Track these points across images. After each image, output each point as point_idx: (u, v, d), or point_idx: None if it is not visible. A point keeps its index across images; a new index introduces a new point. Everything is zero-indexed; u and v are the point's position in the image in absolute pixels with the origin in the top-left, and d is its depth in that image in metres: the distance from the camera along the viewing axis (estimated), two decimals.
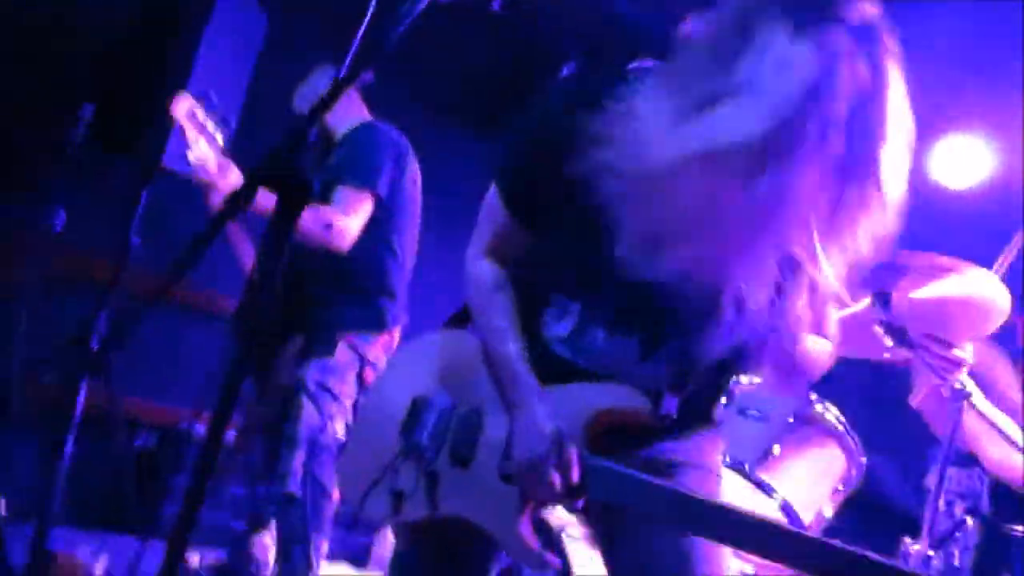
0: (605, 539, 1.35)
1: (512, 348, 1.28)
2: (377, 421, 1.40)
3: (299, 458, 2.51)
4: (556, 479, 1.17)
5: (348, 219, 2.54)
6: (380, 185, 2.64)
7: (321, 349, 2.59)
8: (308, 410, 2.52)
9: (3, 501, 2.80)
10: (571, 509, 1.23)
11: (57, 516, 2.69)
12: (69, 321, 3.21)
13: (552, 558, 1.23)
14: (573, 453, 1.18)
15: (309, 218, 2.47)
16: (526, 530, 1.21)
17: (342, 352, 2.61)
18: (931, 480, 2.46)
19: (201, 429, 2.96)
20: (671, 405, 1.25)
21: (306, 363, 2.58)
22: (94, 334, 3.07)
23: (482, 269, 1.35)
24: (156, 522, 3.40)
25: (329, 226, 2.50)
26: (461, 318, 1.42)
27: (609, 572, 1.32)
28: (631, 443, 1.26)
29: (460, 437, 1.30)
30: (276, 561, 2.63)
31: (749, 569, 2.31)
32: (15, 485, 2.93)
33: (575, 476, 1.17)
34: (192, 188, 3.24)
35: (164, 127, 3.04)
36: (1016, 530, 2.10)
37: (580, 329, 1.29)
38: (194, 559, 2.94)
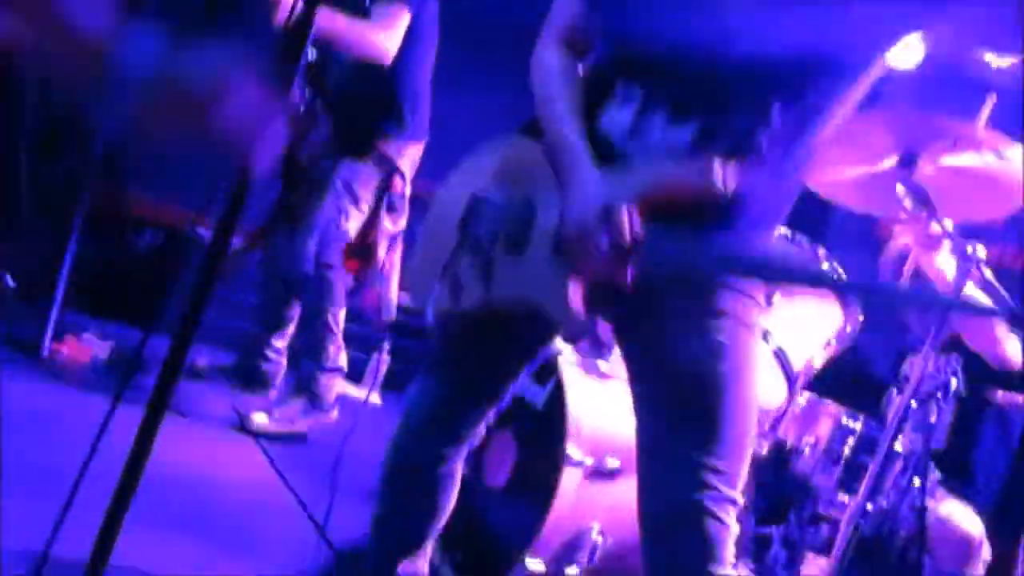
0: (635, 339, 1.41)
1: (570, 128, 1.33)
2: (441, 220, 1.48)
3: (313, 243, 2.82)
4: (606, 244, 1.20)
5: (390, 33, 2.67)
6: (412, 2, 2.73)
7: (353, 152, 2.80)
8: (328, 203, 2.80)
9: (8, 276, 2.86)
10: (619, 281, 1.23)
11: (65, 301, 2.78)
12: (75, 110, 3.16)
13: (600, 328, 1.31)
14: (624, 220, 1.21)
15: (355, 32, 2.64)
16: (575, 297, 1.25)
17: (372, 158, 2.83)
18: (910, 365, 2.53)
19: (206, 233, 2.98)
20: (726, 179, 1.25)
21: (337, 161, 2.80)
22: (99, 125, 3.04)
23: (550, 57, 1.40)
24: (161, 318, 3.49)
25: (372, 41, 2.66)
26: (527, 129, 1.45)
27: (632, 372, 1.41)
28: (685, 223, 1.28)
29: (514, 226, 1.37)
30: (299, 334, 2.98)
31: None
32: (25, 268, 2.98)
33: (625, 240, 1.20)
34: None
35: None
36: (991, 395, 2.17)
37: (640, 118, 1.32)
38: (201, 361, 3.03)
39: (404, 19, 2.71)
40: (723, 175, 1.24)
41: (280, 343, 3.14)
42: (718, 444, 1.28)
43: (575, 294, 1.24)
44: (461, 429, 1.57)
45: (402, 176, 2.86)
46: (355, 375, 3.88)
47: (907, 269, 2.41)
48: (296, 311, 3.09)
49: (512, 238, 1.36)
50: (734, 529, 1.30)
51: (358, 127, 2.82)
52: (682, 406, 1.31)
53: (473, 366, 1.54)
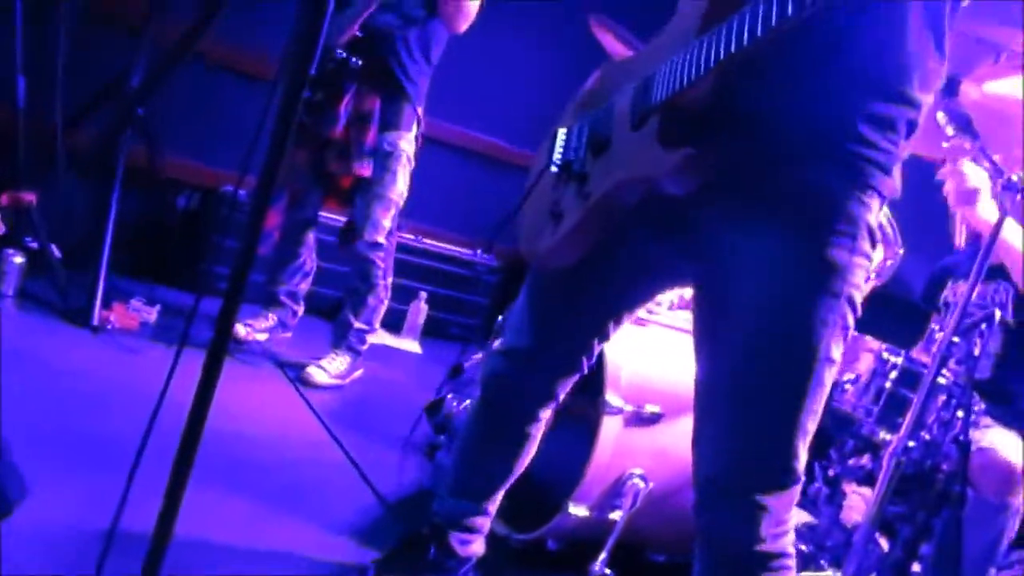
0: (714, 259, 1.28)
1: None
2: (541, 173, 1.47)
3: (388, 214, 2.94)
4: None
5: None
6: None
7: (400, 119, 2.89)
8: (396, 173, 2.90)
9: (54, 246, 2.93)
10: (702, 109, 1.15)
11: (110, 266, 2.84)
12: (107, 70, 3.18)
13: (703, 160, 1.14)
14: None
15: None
16: (670, 148, 1.15)
17: (411, 120, 2.92)
18: (956, 291, 2.49)
19: (243, 194, 3.01)
20: None
21: (390, 130, 2.88)
22: (131, 85, 3.06)
23: None
24: (202, 280, 3.56)
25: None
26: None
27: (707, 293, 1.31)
28: None
29: (596, 134, 1.33)
30: (352, 297, 3.04)
31: None
32: (66, 235, 3.05)
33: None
34: None
35: None
36: None
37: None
38: (241, 330, 3.09)
39: None
40: None
41: (300, 285, 3.23)
42: (791, 432, 1.21)
43: (669, 143, 1.14)
44: (554, 387, 1.55)
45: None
46: (395, 325, 3.96)
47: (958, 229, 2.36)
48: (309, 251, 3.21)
49: (596, 142, 1.33)
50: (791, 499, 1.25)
51: (402, 94, 2.89)
52: (763, 374, 1.21)
53: (572, 309, 1.47)
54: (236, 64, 3.64)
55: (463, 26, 2.85)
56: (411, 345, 4.00)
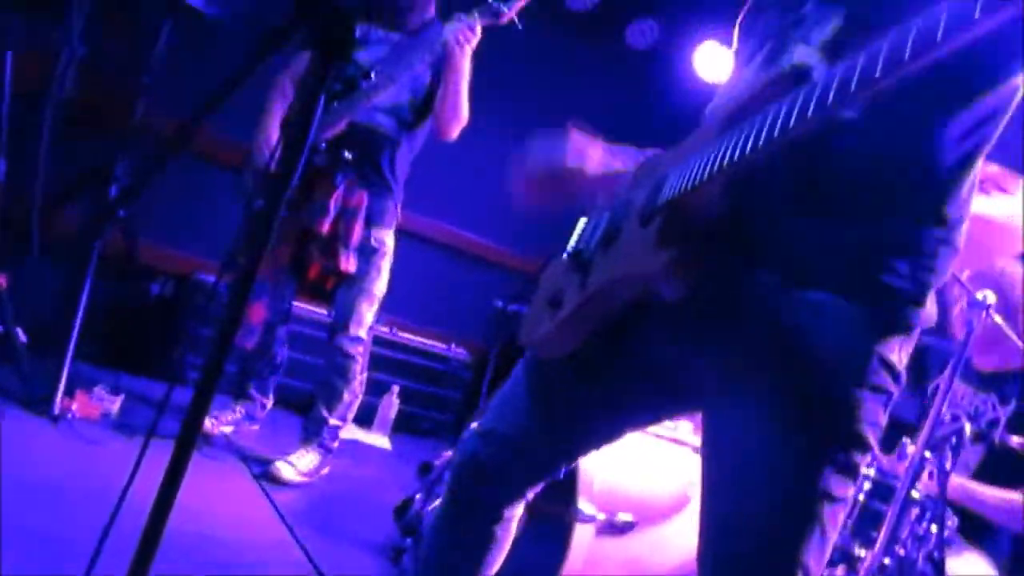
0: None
1: None
2: (552, 261, 1.45)
3: (372, 309, 2.97)
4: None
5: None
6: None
7: (385, 216, 2.97)
8: (381, 269, 2.97)
9: (20, 330, 2.87)
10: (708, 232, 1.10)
11: (75, 353, 2.78)
12: (88, 160, 3.21)
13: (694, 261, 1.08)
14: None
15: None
16: (664, 248, 1.11)
17: (394, 217, 3.01)
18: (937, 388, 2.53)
19: (221, 284, 3.00)
20: (817, 70, 1.06)
21: (376, 227, 2.94)
22: (114, 175, 3.08)
23: None
24: (172, 368, 3.50)
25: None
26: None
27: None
28: None
29: (611, 224, 1.30)
30: (326, 391, 3.00)
31: None
32: (36, 319, 3.00)
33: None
34: (215, 28, 3.15)
35: None
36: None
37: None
38: (207, 423, 3.03)
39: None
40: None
41: (270, 378, 3.20)
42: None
43: (665, 244, 1.10)
44: (526, 484, 1.45)
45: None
46: (365, 419, 3.89)
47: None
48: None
49: (608, 233, 1.30)
50: None
51: (387, 190, 2.97)
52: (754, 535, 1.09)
53: (561, 408, 1.37)
54: (212, 153, 3.69)
55: (456, 133, 2.94)
56: (381, 440, 3.93)
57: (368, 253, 2.93)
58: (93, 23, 2.84)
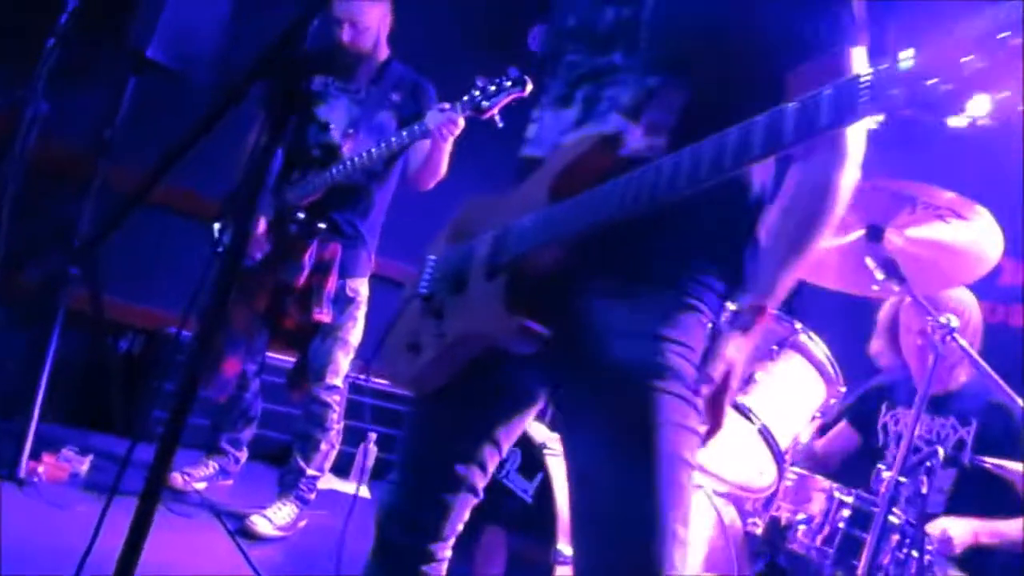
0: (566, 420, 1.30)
1: None
2: (409, 299, 1.47)
3: (348, 358, 2.96)
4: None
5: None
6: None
7: (359, 266, 2.97)
8: (357, 318, 2.96)
9: None
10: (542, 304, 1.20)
11: (42, 414, 2.73)
12: (52, 216, 3.18)
13: (538, 328, 1.19)
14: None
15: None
16: (512, 313, 1.20)
17: (368, 266, 3.02)
18: (898, 419, 2.56)
19: (187, 335, 2.97)
20: (633, 140, 1.22)
21: (351, 277, 2.94)
22: (77, 231, 3.06)
23: None
24: (141, 426, 3.44)
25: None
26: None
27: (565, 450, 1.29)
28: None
29: (457, 269, 1.35)
30: (303, 442, 2.97)
31: (723, 488, 2.38)
32: (2, 383, 2.94)
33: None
34: (179, 82, 3.16)
35: (151, 16, 2.97)
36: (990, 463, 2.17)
37: (538, 122, 1.36)
38: (178, 479, 2.98)
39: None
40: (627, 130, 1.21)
41: (244, 431, 3.16)
42: (653, 537, 1.16)
43: (511, 311, 1.20)
44: (443, 520, 1.46)
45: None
46: (342, 468, 3.83)
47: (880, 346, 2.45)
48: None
49: (456, 279, 1.35)
50: None
51: (358, 239, 2.99)
52: (612, 482, 1.20)
53: (442, 438, 1.43)
54: (179, 205, 3.67)
55: (431, 184, 2.98)
56: (360, 490, 3.87)
57: (343, 303, 2.93)
58: (57, 79, 2.83)
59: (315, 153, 2.88)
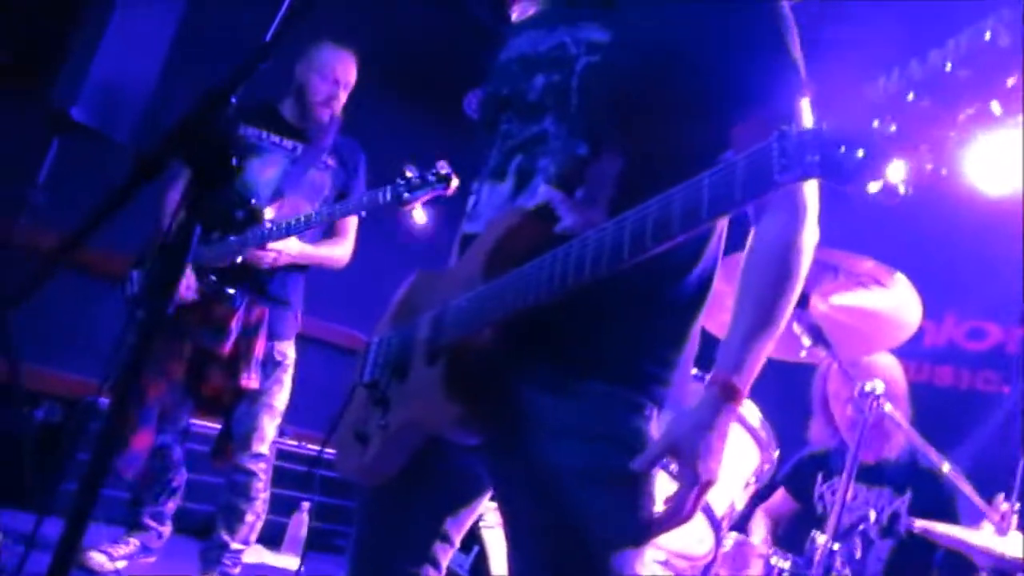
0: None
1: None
2: (354, 388, 1.40)
3: (274, 423, 2.89)
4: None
5: (348, 244, 3.08)
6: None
7: (286, 328, 2.92)
8: (284, 382, 2.90)
9: None
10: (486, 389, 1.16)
11: None
12: None
13: (482, 418, 1.15)
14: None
15: (327, 256, 3.02)
16: (452, 401, 1.15)
17: (295, 327, 2.96)
18: (835, 489, 2.58)
19: (106, 402, 2.84)
20: (564, 212, 1.18)
21: (278, 340, 2.88)
22: None
23: None
24: (52, 499, 3.25)
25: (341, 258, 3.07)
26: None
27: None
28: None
29: (399, 357, 1.29)
30: (227, 513, 2.86)
31: (660, 556, 2.35)
32: None
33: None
34: (101, 143, 3.08)
35: (77, 75, 2.91)
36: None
37: (476, 195, 1.33)
38: (96, 558, 2.82)
39: (355, 226, 3.04)
40: (557, 205, 1.18)
41: (167, 505, 3.01)
42: None
43: (453, 398, 1.15)
44: None
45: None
46: (274, 539, 3.68)
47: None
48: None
49: (398, 365, 1.28)
50: None
51: (285, 300, 2.94)
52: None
53: (392, 538, 1.38)
54: (99, 268, 3.55)
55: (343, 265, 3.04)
56: (291, 561, 3.71)
57: (270, 367, 2.85)
58: None
59: (238, 215, 2.81)
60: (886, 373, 2.43)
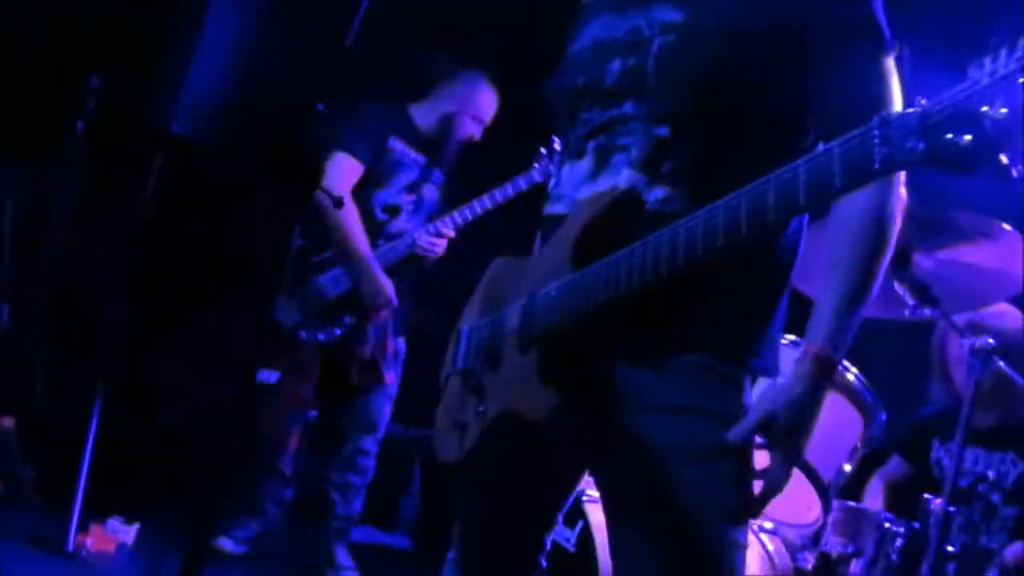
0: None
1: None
2: (448, 377, 1.42)
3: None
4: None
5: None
6: None
7: (404, 325, 3.05)
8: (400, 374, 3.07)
9: (29, 467, 2.87)
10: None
11: (89, 487, 2.76)
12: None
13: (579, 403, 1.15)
14: None
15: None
16: (548, 389, 1.15)
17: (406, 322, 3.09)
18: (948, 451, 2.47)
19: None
20: (649, 195, 1.17)
21: (399, 334, 3.03)
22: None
23: None
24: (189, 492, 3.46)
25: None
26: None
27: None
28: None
29: (490, 346, 1.29)
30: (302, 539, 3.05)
31: (768, 525, 2.32)
32: (47, 458, 2.98)
33: None
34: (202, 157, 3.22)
35: (174, 90, 3.03)
36: None
37: (557, 177, 1.33)
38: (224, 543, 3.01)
39: None
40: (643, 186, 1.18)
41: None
42: None
43: (549, 386, 1.15)
44: None
45: None
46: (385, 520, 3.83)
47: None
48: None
49: (490, 354, 1.29)
50: None
51: None
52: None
53: (499, 517, 1.39)
54: None
55: None
56: (402, 540, 3.86)
57: (394, 362, 3.03)
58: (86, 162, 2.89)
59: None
60: (1004, 327, 2.31)
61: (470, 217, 2.92)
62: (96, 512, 2.83)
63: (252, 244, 3.09)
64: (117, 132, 3.26)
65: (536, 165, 2.87)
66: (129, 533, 2.83)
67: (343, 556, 3.00)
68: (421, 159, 2.99)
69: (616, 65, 1.25)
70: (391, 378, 2.98)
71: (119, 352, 3.04)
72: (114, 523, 2.83)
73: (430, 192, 3.03)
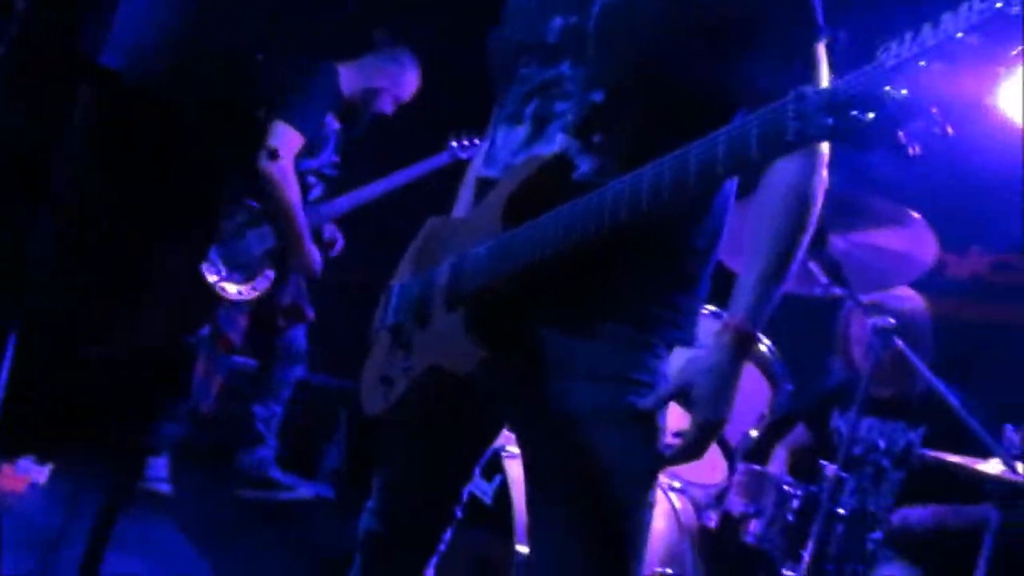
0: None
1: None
2: (378, 331, 1.44)
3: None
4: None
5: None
6: None
7: None
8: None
9: None
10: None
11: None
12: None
13: (503, 360, 1.18)
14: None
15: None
16: (475, 346, 1.18)
17: None
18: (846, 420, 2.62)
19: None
20: (581, 161, 1.20)
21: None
22: None
23: None
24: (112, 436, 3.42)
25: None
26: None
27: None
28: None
29: (420, 302, 1.31)
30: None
31: (676, 484, 2.45)
32: None
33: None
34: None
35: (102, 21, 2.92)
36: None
37: (491, 143, 1.36)
38: None
39: None
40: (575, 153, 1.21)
41: None
42: None
43: (475, 342, 1.18)
44: (426, 553, 1.46)
45: None
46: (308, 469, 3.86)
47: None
48: None
49: (420, 311, 1.30)
50: None
51: None
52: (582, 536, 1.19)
53: (418, 469, 1.43)
54: None
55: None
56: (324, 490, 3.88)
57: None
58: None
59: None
60: (906, 309, 2.45)
61: (378, 195, 3.09)
62: (6, 452, 2.77)
63: (186, 188, 3.03)
64: (42, 60, 3.14)
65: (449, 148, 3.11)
66: (42, 473, 2.79)
67: (281, 476, 3.22)
68: (337, 125, 3.08)
69: (558, 21, 1.24)
70: (312, 313, 3.14)
71: (39, 287, 2.94)
72: (25, 463, 2.77)
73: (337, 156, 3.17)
